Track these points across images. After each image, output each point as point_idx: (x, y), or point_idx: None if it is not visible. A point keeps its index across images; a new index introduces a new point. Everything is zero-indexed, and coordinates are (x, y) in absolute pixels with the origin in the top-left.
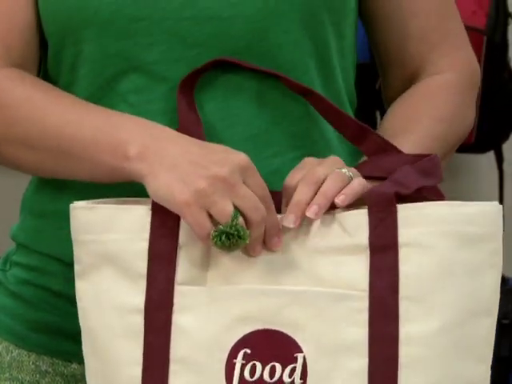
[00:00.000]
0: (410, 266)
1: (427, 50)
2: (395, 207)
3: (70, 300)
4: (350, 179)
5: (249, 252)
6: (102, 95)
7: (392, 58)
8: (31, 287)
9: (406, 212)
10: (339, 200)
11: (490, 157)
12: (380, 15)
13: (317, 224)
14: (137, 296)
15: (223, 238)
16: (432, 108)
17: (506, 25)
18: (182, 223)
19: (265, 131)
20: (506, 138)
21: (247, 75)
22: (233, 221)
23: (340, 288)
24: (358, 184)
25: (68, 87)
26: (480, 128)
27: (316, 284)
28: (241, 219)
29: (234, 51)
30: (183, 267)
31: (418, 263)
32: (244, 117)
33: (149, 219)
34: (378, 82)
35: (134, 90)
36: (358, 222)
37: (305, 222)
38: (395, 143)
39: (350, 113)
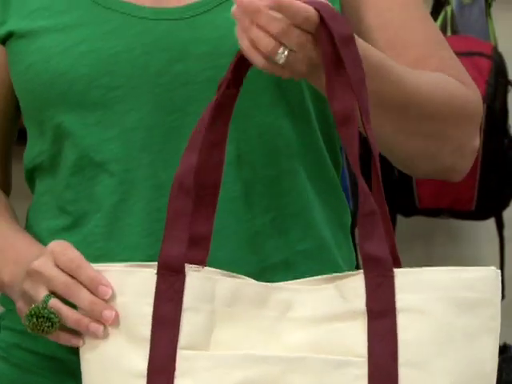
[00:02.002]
0: (408, 331)
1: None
2: (392, 272)
3: (62, 363)
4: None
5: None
6: (84, 165)
7: None
8: (21, 351)
9: (404, 277)
10: None
11: (490, 223)
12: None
13: (314, 291)
14: (142, 361)
15: (31, 324)
16: (425, 74)
17: (505, 92)
18: (187, 287)
19: (244, 194)
20: (506, 204)
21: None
22: (42, 305)
23: (337, 354)
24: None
25: (54, 158)
26: (480, 195)
27: (313, 350)
28: (54, 303)
29: None
30: (186, 331)
31: (417, 329)
32: (224, 180)
33: (153, 283)
34: None
35: (114, 159)
36: (355, 287)
37: (302, 291)
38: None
39: (333, 171)
